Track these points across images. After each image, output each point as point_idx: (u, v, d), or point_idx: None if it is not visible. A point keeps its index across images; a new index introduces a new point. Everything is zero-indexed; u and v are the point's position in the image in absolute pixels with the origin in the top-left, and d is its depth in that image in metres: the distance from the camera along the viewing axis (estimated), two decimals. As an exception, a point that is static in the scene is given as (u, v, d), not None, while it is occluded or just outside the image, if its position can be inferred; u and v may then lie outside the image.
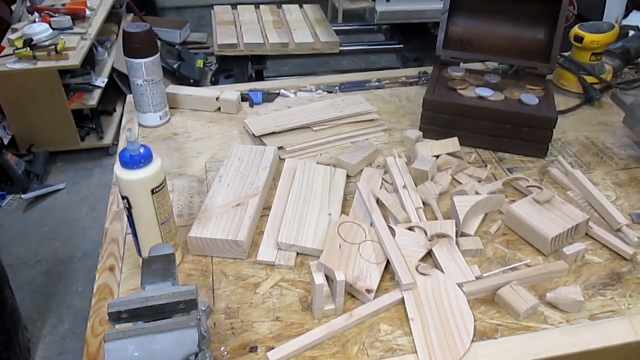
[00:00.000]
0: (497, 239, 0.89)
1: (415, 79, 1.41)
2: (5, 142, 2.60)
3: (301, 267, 0.83)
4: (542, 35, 1.20)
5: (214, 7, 2.66)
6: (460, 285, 0.78)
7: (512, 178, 1.00)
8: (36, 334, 1.88)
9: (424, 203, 0.94)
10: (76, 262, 2.18)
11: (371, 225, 0.87)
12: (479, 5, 1.23)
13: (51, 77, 2.49)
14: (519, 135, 1.08)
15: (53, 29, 2.63)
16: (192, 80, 2.98)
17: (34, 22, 2.68)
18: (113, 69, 2.94)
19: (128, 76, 1.15)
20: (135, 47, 1.10)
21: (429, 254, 0.84)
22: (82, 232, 2.33)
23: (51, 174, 2.69)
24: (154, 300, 0.59)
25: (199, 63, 3.17)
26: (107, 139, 2.81)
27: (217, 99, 1.24)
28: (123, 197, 0.74)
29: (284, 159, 1.05)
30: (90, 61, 2.81)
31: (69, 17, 2.74)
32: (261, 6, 2.69)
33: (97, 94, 2.73)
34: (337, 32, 2.46)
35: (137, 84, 1.13)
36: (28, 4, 2.93)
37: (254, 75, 2.43)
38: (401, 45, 2.57)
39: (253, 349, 0.70)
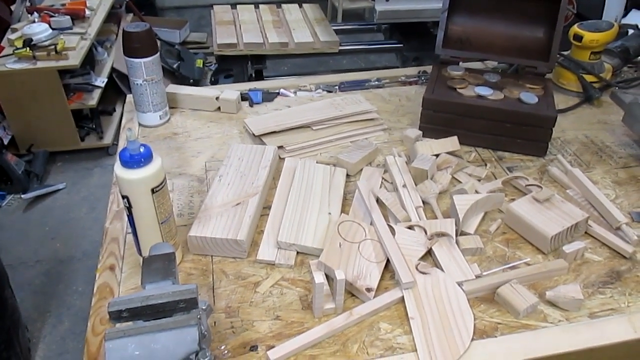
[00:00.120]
0: (496, 237, 0.89)
1: (415, 78, 1.41)
2: (5, 142, 2.60)
3: (301, 266, 0.83)
4: (541, 34, 1.21)
5: (214, 6, 2.66)
6: (460, 284, 0.78)
7: (511, 177, 1.01)
8: (36, 334, 1.88)
9: (423, 202, 0.94)
10: (76, 262, 2.18)
11: (371, 224, 0.87)
12: (479, 5, 1.23)
13: (51, 77, 2.49)
14: (518, 134, 1.08)
15: (53, 29, 2.63)
16: (191, 80, 2.98)
17: (34, 22, 2.68)
18: (113, 69, 2.94)
19: (128, 76, 1.15)
20: (135, 46, 1.10)
21: (429, 252, 0.84)
22: (82, 232, 2.33)
23: (51, 174, 2.70)
24: (154, 299, 0.59)
25: (199, 63, 3.17)
26: (107, 139, 2.81)
27: (217, 98, 1.24)
28: (123, 197, 0.74)
29: (283, 159, 1.06)
30: (90, 61, 2.81)
31: (68, 17, 2.74)
32: (261, 6, 2.69)
33: (96, 94, 2.73)
34: (337, 32, 2.46)
35: (137, 84, 1.13)
36: (28, 4, 2.93)
37: (253, 75, 2.44)
38: (401, 45, 2.57)
39: (253, 348, 0.71)
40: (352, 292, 0.78)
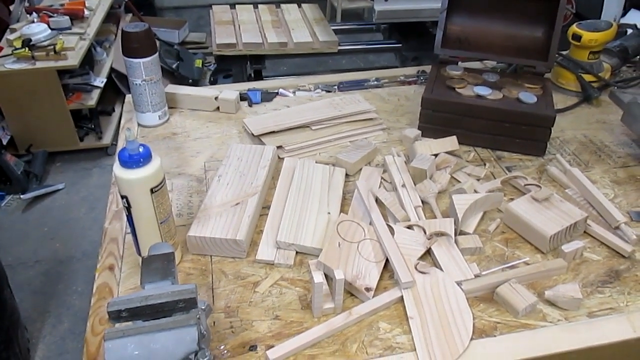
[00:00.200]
0: (495, 237, 0.89)
1: (414, 78, 1.41)
2: (4, 142, 2.60)
3: (300, 266, 0.83)
4: (540, 34, 1.21)
5: (213, 7, 2.66)
6: (459, 284, 0.78)
7: (510, 176, 1.01)
8: (36, 334, 1.88)
9: (422, 202, 0.94)
10: (75, 262, 2.18)
11: (370, 224, 0.87)
12: (477, 4, 1.23)
13: (50, 77, 2.49)
14: (517, 133, 1.08)
15: (52, 29, 2.63)
16: (190, 80, 2.98)
17: (33, 22, 2.68)
18: (112, 69, 2.94)
19: (127, 76, 1.15)
20: (134, 46, 1.10)
21: (428, 252, 0.84)
22: (81, 232, 2.33)
23: (50, 174, 2.69)
24: (153, 299, 0.59)
25: (198, 63, 3.17)
26: (106, 139, 2.81)
27: (216, 98, 1.24)
28: (122, 197, 0.74)
29: (283, 158, 1.06)
30: (89, 61, 2.81)
31: (67, 17, 2.74)
32: (260, 6, 2.69)
33: (95, 94, 2.73)
34: (336, 32, 2.46)
35: (136, 84, 1.13)
36: (27, 4, 2.93)
37: (252, 75, 2.44)
38: (400, 45, 2.57)
39: (253, 348, 0.71)
40: (352, 292, 0.78)
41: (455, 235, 0.86)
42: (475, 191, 0.95)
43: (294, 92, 1.34)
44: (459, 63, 1.25)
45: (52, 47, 2.49)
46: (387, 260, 0.81)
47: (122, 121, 1.25)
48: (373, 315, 0.75)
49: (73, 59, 2.50)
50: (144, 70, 1.11)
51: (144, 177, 0.72)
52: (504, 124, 1.08)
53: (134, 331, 0.57)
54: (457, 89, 1.13)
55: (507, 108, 1.08)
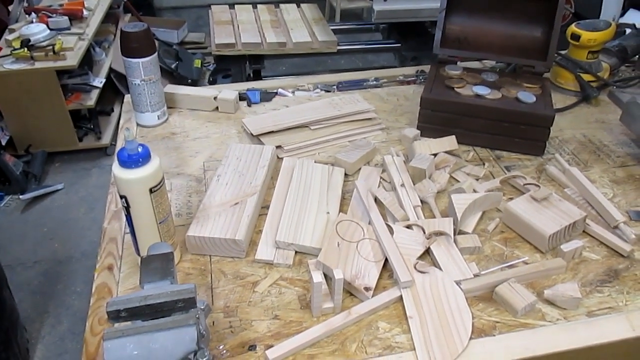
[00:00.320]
0: (495, 236, 0.89)
1: (413, 78, 1.41)
2: (3, 142, 2.60)
3: (300, 266, 0.83)
4: (539, 34, 1.21)
5: (212, 6, 2.66)
6: (458, 283, 0.78)
7: (509, 176, 1.01)
8: (35, 335, 1.88)
9: (422, 201, 0.94)
10: (74, 263, 2.18)
11: (369, 223, 0.87)
12: (476, 4, 1.23)
13: (49, 77, 2.49)
14: (516, 133, 1.08)
15: (50, 29, 2.62)
16: (189, 80, 2.98)
17: (32, 22, 2.67)
18: (111, 69, 2.94)
19: (126, 76, 1.15)
20: (133, 46, 1.10)
21: (427, 252, 0.84)
22: (81, 233, 2.33)
23: (49, 174, 2.69)
24: (152, 299, 0.59)
25: (197, 63, 3.17)
26: (105, 139, 2.81)
27: (215, 98, 1.24)
28: (121, 197, 0.74)
29: (282, 158, 1.06)
30: (87, 61, 2.81)
31: (66, 17, 2.74)
32: (259, 6, 2.69)
33: (94, 94, 2.73)
34: (335, 32, 2.47)
35: (135, 84, 1.13)
36: (25, 4, 2.93)
37: (251, 74, 2.44)
38: (399, 45, 2.57)
39: (252, 348, 0.71)
40: (351, 292, 0.78)
41: (455, 234, 0.86)
42: (475, 191, 0.95)
43: (293, 92, 1.34)
44: (458, 63, 1.25)
45: (51, 47, 2.49)
46: (386, 259, 0.81)
47: (121, 121, 1.25)
48: (372, 315, 0.75)
49: (72, 59, 2.50)
50: (142, 70, 1.11)
51: (143, 177, 0.72)
52: (503, 124, 1.08)
53: (133, 331, 0.57)
54: (456, 89, 1.13)
55: (506, 108, 1.08)
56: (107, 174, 2.61)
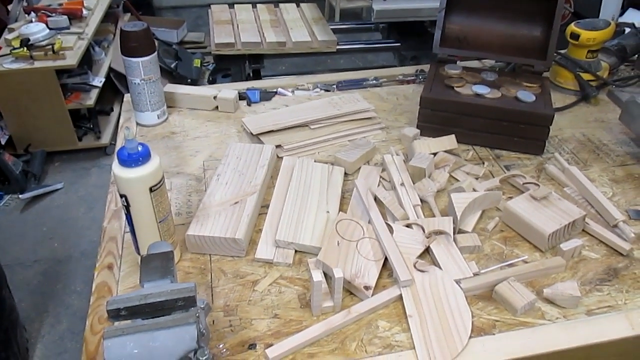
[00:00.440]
0: (494, 235, 0.89)
1: (413, 77, 1.41)
2: (3, 142, 2.59)
3: (299, 265, 0.83)
4: (538, 33, 1.21)
5: (211, 6, 2.66)
6: (458, 282, 0.78)
7: (509, 175, 1.01)
8: (34, 334, 1.88)
9: (421, 200, 0.94)
10: (74, 262, 2.18)
11: (369, 222, 0.87)
12: (476, 3, 1.23)
13: (48, 77, 2.49)
14: (515, 132, 1.08)
15: (50, 28, 2.62)
16: (189, 80, 2.98)
17: (31, 22, 2.67)
18: (110, 69, 2.94)
19: (125, 75, 1.15)
20: (133, 46, 1.10)
21: (427, 251, 0.84)
22: (80, 232, 2.33)
23: (49, 174, 2.69)
24: (152, 298, 0.59)
25: (197, 63, 3.17)
26: (105, 139, 2.81)
27: (214, 97, 1.24)
28: (121, 196, 0.74)
29: (281, 157, 1.06)
30: (87, 61, 2.81)
31: (65, 17, 2.73)
32: (258, 5, 2.69)
33: (94, 93, 2.73)
34: (335, 31, 2.46)
35: (135, 83, 1.13)
36: (25, 4, 2.93)
37: (251, 74, 2.44)
38: (398, 44, 2.57)
39: (252, 346, 0.71)
40: (351, 290, 0.78)
41: (454, 233, 0.86)
42: (474, 190, 0.95)
43: (292, 92, 1.34)
44: (458, 62, 1.25)
45: (50, 46, 2.49)
46: (386, 258, 0.81)
47: (121, 120, 1.25)
48: (372, 314, 0.75)
49: (71, 59, 2.50)
50: (142, 70, 1.11)
51: (142, 175, 0.72)
52: (502, 123, 1.08)
53: (133, 330, 0.57)
54: (455, 88, 1.13)
55: (506, 107, 1.08)
56: (106, 174, 2.61)
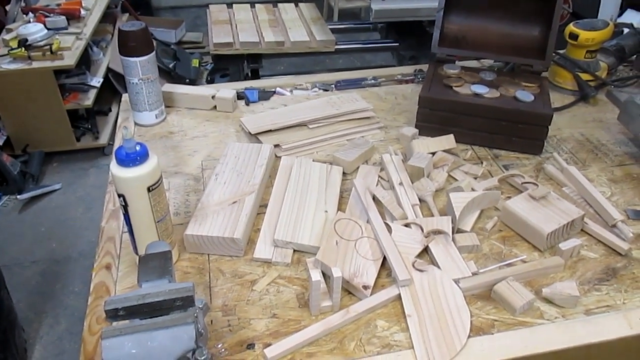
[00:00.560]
0: (493, 235, 0.89)
1: (411, 77, 1.41)
2: (1, 142, 2.59)
3: (298, 264, 0.83)
4: (537, 33, 1.21)
5: (210, 6, 2.66)
6: (456, 281, 0.78)
7: (507, 175, 1.01)
8: (33, 335, 1.88)
9: (420, 200, 0.94)
10: (72, 263, 2.18)
11: (368, 222, 0.87)
12: (474, 3, 1.23)
13: (46, 77, 2.48)
14: (514, 132, 1.08)
15: (48, 29, 2.62)
16: (187, 80, 2.97)
17: (29, 22, 2.66)
18: (108, 69, 2.93)
19: (124, 75, 1.14)
20: (131, 45, 1.10)
21: (426, 250, 0.84)
22: (78, 232, 2.33)
23: (47, 174, 2.69)
24: (150, 298, 0.59)
25: (195, 63, 3.16)
26: (103, 139, 2.80)
27: (213, 97, 1.24)
28: (119, 195, 0.74)
29: (280, 157, 1.05)
30: (85, 61, 2.80)
31: (64, 17, 2.73)
32: (257, 5, 2.69)
33: (92, 94, 2.73)
34: (333, 31, 2.47)
35: (133, 83, 1.13)
36: (22, 4, 2.92)
37: (249, 74, 2.43)
38: (397, 44, 2.57)
39: (250, 346, 0.71)
40: (349, 290, 0.78)
41: (453, 233, 0.86)
42: (473, 189, 0.95)
43: (291, 91, 1.34)
44: (456, 62, 1.25)
45: (48, 47, 2.48)
46: (384, 258, 0.81)
47: (119, 120, 1.24)
48: (371, 313, 0.75)
49: (69, 59, 2.50)
50: (140, 69, 1.11)
51: (140, 175, 0.72)
52: (501, 123, 1.08)
53: (131, 329, 0.57)
54: (454, 88, 1.13)
55: (504, 106, 1.08)
56: (104, 174, 2.60)
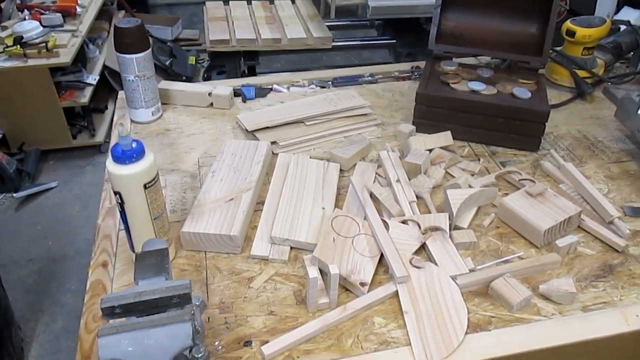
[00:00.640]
0: (490, 232, 0.89)
1: (408, 74, 1.41)
2: (-4, 140, 2.58)
3: (295, 261, 0.83)
4: (534, 30, 1.21)
5: (206, 3, 2.64)
6: (454, 278, 0.78)
7: (505, 171, 1.01)
8: (29, 333, 1.87)
9: (417, 197, 0.94)
10: (69, 261, 2.17)
11: (365, 219, 0.87)
12: (472, 0, 1.23)
13: (42, 75, 2.47)
14: (511, 128, 1.08)
15: (44, 26, 2.61)
16: (184, 78, 2.96)
17: (24, 19, 2.65)
18: (104, 66, 2.92)
19: (120, 72, 1.14)
20: (127, 42, 1.09)
21: (423, 247, 0.84)
22: (75, 230, 2.32)
23: (43, 172, 2.68)
24: (147, 295, 0.59)
25: (191, 60, 3.15)
26: (99, 137, 2.79)
27: (209, 94, 1.24)
28: (115, 193, 0.73)
29: (277, 154, 1.05)
30: (81, 59, 2.79)
31: (59, 14, 2.72)
32: (253, 2, 2.68)
33: (88, 91, 2.71)
34: (330, 28, 2.46)
35: (129, 80, 1.12)
36: (18, 1, 2.91)
37: (246, 71, 2.43)
38: (394, 41, 2.57)
39: (247, 343, 0.70)
40: (346, 287, 0.78)
41: (450, 230, 0.86)
42: (470, 186, 0.95)
43: (288, 88, 1.33)
44: (453, 59, 1.25)
45: (44, 44, 2.47)
46: (381, 255, 0.81)
47: (115, 117, 1.24)
48: (368, 310, 0.75)
49: (65, 57, 2.49)
50: (136, 66, 1.11)
51: (137, 172, 0.71)
52: (498, 119, 1.08)
53: (127, 327, 0.57)
54: (451, 85, 1.13)
55: (501, 103, 1.08)
56: (101, 172, 2.59)
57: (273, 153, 1.07)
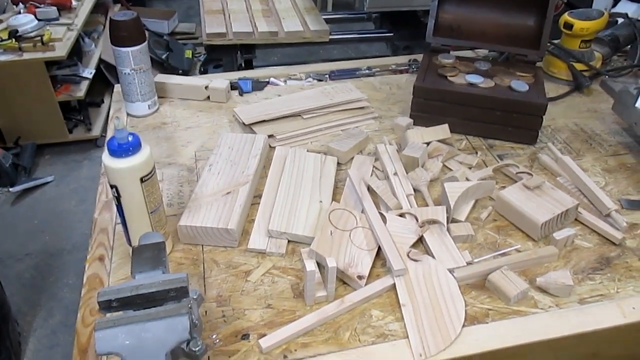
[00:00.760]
0: (487, 224, 0.89)
1: (406, 67, 1.40)
2: (-8, 135, 2.57)
3: (292, 255, 0.83)
4: (532, 23, 1.20)
5: (203, -4, 2.63)
6: (451, 271, 0.78)
7: (502, 164, 1.01)
8: (27, 328, 1.87)
9: (414, 190, 0.94)
10: (66, 255, 2.17)
11: (362, 212, 0.87)
12: (469, -8, 1.22)
13: (37, 68, 2.46)
14: (509, 121, 1.08)
15: (39, 20, 2.59)
16: (180, 71, 2.95)
17: (19, 13, 2.63)
18: (100, 60, 2.91)
19: (116, 66, 1.13)
20: (123, 35, 1.09)
21: (420, 240, 0.84)
22: (72, 225, 2.32)
23: (39, 166, 2.67)
24: (144, 289, 0.58)
25: (188, 53, 3.14)
26: (96, 131, 2.78)
27: (206, 87, 1.23)
28: (112, 186, 0.73)
29: (274, 147, 1.05)
30: (77, 52, 2.78)
31: (54, 7, 2.70)
32: (250, -5, 2.67)
33: (84, 85, 2.70)
34: (327, 21, 2.45)
35: (125, 73, 1.12)
36: (13, -6, 2.89)
37: (243, 64, 2.42)
38: (391, 34, 2.56)
39: (245, 337, 0.70)
40: (344, 280, 0.78)
41: (447, 223, 0.86)
42: (467, 179, 0.95)
43: (285, 81, 1.33)
44: (451, 51, 1.25)
45: (39, 38, 2.46)
46: (379, 248, 0.81)
47: (111, 111, 1.23)
48: (365, 303, 0.75)
49: (61, 50, 2.47)
50: (132, 60, 1.10)
51: (133, 166, 0.71)
52: (495, 112, 1.08)
53: (124, 321, 0.56)
54: (449, 77, 1.13)
55: (499, 96, 1.07)
56: (97, 166, 2.59)
57: (270, 146, 1.07)
